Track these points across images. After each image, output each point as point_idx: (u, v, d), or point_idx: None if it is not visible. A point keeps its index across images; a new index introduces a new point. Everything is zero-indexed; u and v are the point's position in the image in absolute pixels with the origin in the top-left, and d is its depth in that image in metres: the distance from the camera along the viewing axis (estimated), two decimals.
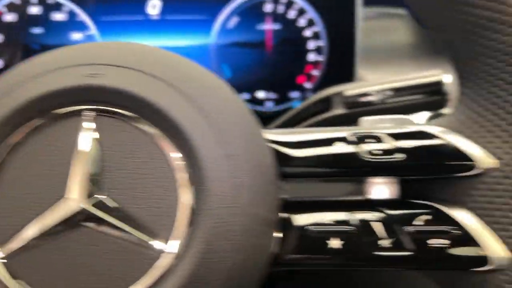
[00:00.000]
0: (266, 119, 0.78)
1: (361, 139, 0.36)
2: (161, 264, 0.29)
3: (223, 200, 0.29)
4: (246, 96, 0.77)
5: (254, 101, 0.77)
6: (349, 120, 0.61)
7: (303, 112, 0.61)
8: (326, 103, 0.58)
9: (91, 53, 0.33)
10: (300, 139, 0.38)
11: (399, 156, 0.35)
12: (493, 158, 0.33)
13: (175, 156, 0.30)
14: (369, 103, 0.54)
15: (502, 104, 0.33)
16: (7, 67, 0.72)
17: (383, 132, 0.36)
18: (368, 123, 0.41)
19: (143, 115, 0.30)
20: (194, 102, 0.31)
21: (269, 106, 0.78)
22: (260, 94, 0.77)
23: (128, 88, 0.30)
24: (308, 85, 0.78)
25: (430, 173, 0.35)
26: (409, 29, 0.91)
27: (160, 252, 0.29)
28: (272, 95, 0.78)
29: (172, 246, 0.29)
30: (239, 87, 0.77)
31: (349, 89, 0.56)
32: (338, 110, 0.56)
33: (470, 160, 0.34)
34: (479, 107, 0.35)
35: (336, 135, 0.37)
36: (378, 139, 0.36)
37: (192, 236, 0.29)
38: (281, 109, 0.78)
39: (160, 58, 0.33)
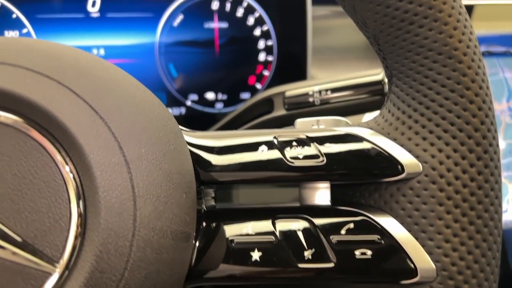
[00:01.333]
0: (216, 121, 0.75)
1: (287, 143, 0.34)
2: (49, 285, 0.26)
3: (116, 212, 0.26)
4: (194, 97, 0.74)
5: (203, 102, 0.74)
6: (289, 121, 0.59)
7: (245, 114, 0.59)
8: (268, 104, 0.55)
9: None
10: (225, 144, 0.35)
11: (323, 160, 0.32)
12: (419, 161, 0.31)
13: (64, 163, 0.27)
14: (309, 104, 0.52)
15: (429, 104, 0.31)
16: None
17: (309, 136, 0.34)
18: (303, 125, 0.39)
19: (27, 119, 0.27)
20: (86, 102, 0.27)
21: (219, 107, 0.75)
22: (210, 95, 0.74)
23: (8, 87, 0.27)
24: (259, 85, 0.75)
25: (355, 178, 0.33)
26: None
27: (47, 272, 0.26)
28: (222, 96, 0.75)
29: (60, 266, 0.26)
30: (187, 88, 0.74)
31: (290, 90, 0.54)
32: (279, 112, 0.54)
33: (397, 164, 0.31)
34: (407, 106, 0.32)
35: (261, 139, 0.35)
36: (303, 143, 0.33)
37: (81, 253, 0.26)
38: (231, 110, 0.75)
39: (46, 52, 0.30)
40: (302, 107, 0.51)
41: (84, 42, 0.70)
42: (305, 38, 0.74)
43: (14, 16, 0.68)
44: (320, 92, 0.50)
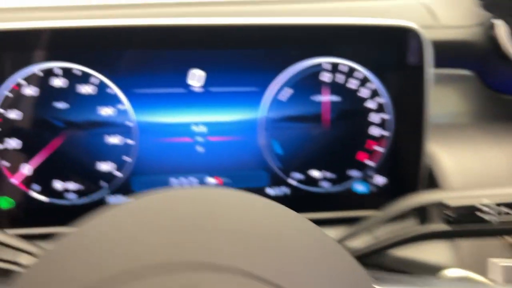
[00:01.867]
0: (321, 202, 0.68)
1: None
2: None
3: None
4: (299, 176, 0.67)
5: (308, 181, 0.67)
6: (453, 237, 0.50)
7: (384, 222, 0.51)
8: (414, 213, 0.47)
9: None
10: None
11: None
12: None
13: None
14: (479, 219, 0.43)
15: None
16: (26, 148, 0.62)
17: None
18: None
19: None
20: None
21: (325, 186, 0.67)
22: (315, 173, 0.67)
23: None
24: (370, 162, 0.67)
25: None
26: (476, 93, 0.80)
27: None
28: (329, 174, 0.67)
29: None
30: (292, 166, 0.66)
31: (450, 199, 0.46)
32: (440, 226, 0.46)
33: None
34: None
35: None
36: None
37: None
38: (338, 190, 0.68)
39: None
40: (471, 222, 0.43)
41: (184, 118, 0.63)
42: (422, 112, 0.66)
43: (109, 90, 0.62)
44: (493, 206, 0.42)
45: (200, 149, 0.65)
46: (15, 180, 0.63)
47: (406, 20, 0.65)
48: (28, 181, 0.63)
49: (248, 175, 0.66)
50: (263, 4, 0.77)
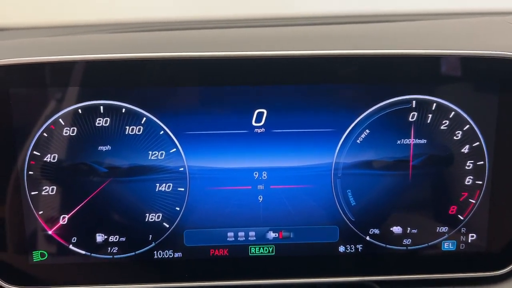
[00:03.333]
0: (402, 264, 0.57)
1: None
2: None
3: None
4: (375, 231, 0.57)
5: (387, 238, 0.57)
6: None
7: None
8: None
9: None
10: None
11: None
12: None
13: None
14: None
15: None
16: (64, 196, 0.54)
17: None
18: None
19: None
20: None
21: (407, 244, 0.57)
22: (396, 229, 0.57)
23: None
24: (461, 217, 0.57)
25: None
26: None
27: None
28: (412, 230, 0.57)
29: None
30: (367, 220, 0.57)
31: None
32: None
33: None
34: None
35: None
36: None
37: None
38: (422, 248, 0.57)
39: None
40: None
41: (244, 163, 0.54)
42: None
43: (158, 131, 0.53)
44: None
45: (260, 198, 0.56)
46: (51, 231, 0.55)
47: (504, 46, 0.54)
48: (66, 232, 0.55)
49: (316, 230, 0.57)
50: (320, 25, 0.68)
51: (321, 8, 0.70)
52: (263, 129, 0.54)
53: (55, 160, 0.54)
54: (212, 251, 0.56)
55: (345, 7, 0.75)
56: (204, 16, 0.67)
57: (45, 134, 0.53)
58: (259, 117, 0.54)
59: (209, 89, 0.53)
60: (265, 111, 0.53)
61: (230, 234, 0.56)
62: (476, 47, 0.53)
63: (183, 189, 0.55)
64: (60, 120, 0.53)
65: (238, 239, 0.56)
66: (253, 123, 0.54)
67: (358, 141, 0.55)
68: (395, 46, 0.54)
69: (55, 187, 0.54)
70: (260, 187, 0.55)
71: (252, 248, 0.57)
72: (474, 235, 0.57)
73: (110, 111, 0.53)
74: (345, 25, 0.67)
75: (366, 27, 0.64)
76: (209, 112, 0.53)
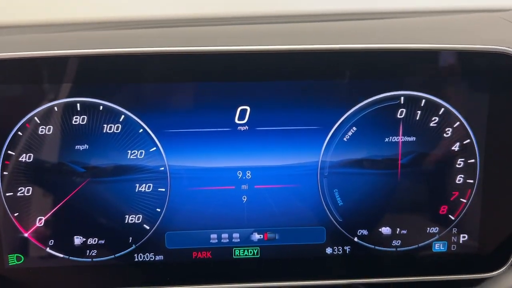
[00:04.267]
0: (391, 266, 0.56)
1: None
2: None
3: None
4: (363, 232, 0.55)
5: (375, 239, 0.55)
6: None
7: None
8: None
9: None
10: None
11: None
12: None
13: None
14: None
15: None
16: (40, 198, 0.52)
17: None
18: None
19: None
20: None
21: (397, 245, 0.55)
22: (385, 230, 0.55)
23: None
24: (452, 217, 0.55)
25: None
26: None
27: None
28: (401, 231, 0.55)
29: None
30: (355, 220, 0.55)
31: None
32: None
33: None
34: None
35: None
36: None
37: None
38: (412, 249, 0.55)
39: None
40: None
41: (227, 162, 0.52)
42: None
43: (137, 129, 0.52)
44: None
45: (244, 199, 0.54)
46: (27, 234, 0.53)
47: (496, 40, 0.52)
48: (42, 235, 0.53)
49: (302, 231, 0.55)
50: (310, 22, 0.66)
51: (307, 6, 0.68)
52: (246, 126, 0.52)
53: (31, 160, 0.52)
54: (195, 254, 0.54)
55: (333, 4, 0.74)
56: (187, 13, 0.65)
57: (19, 133, 0.51)
58: (242, 114, 0.52)
59: (189, 85, 0.51)
60: (248, 108, 0.52)
61: (213, 236, 0.54)
62: (466, 42, 0.51)
63: (163, 190, 0.53)
64: (36, 118, 0.51)
65: (222, 241, 0.54)
66: (236, 121, 0.52)
67: (344, 139, 0.53)
68: (383, 41, 0.52)
69: (31, 188, 0.52)
70: (244, 187, 0.53)
71: (236, 251, 0.55)
72: (466, 235, 0.56)
73: (87, 108, 0.51)
74: (332, 22, 0.65)
75: (354, 23, 0.63)
76: (190, 109, 0.51)
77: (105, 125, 0.51)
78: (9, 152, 0.51)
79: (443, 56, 0.51)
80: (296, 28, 0.61)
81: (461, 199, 0.55)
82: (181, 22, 0.62)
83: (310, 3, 0.68)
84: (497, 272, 0.56)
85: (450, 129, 0.53)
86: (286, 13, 0.69)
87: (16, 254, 0.53)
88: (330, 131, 0.52)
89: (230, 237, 0.54)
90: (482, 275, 0.56)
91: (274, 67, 0.51)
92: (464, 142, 0.53)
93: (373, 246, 0.55)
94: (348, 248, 0.55)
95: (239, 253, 0.55)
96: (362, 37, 0.54)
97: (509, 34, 0.63)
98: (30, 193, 0.52)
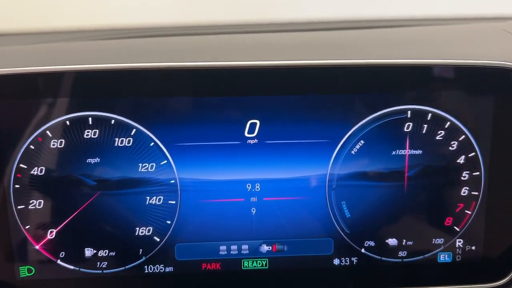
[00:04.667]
0: (397, 276, 0.56)
1: None
2: None
3: None
4: (370, 243, 0.56)
5: (382, 250, 0.56)
6: None
7: None
8: None
9: None
10: None
11: None
12: None
13: None
14: None
15: None
16: (51, 210, 0.53)
17: None
18: None
19: None
20: None
21: (403, 256, 0.56)
22: (391, 241, 0.56)
23: None
24: (457, 228, 0.56)
25: None
26: None
27: None
28: (407, 242, 0.56)
29: None
30: (362, 232, 0.56)
31: None
32: None
33: None
34: None
35: None
36: None
37: None
38: (418, 260, 0.56)
39: None
40: None
41: (237, 175, 0.53)
42: None
43: (148, 143, 0.52)
44: None
45: (253, 211, 0.55)
46: (38, 246, 0.54)
47: (500, 55, 0.53)
48: (53, 247, 0.54)
49: (310, 242, 0.56)
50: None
51: (316, 14, 0.69)
52: (256, 140, 0.53)
53: (43, 173, 0.52)
54: (204, 265, 0.55)
55: (339, 12, 0.74)
56: (197, 21, 0.66)
57: (32, 147, 0.51)
58: (252, 128, 0.53)
59: (200, 99, 0.51)
60: (258, 121, 0.52)
61: (223, 247, 0.55)
62: (471, 57, 0.52)
63: (174, 202, 0.54)
64: (48, 132, 0.51)
65: (231, 252, 0.55)
66: (246, 134, 0.53)
67: (352, 152, 0.54)
68: (389, 55, 0.53)
69: (42, 201, 0.53)
70: (253, 199, 0.54)
71: (245, 262, 0.55)
72: (471, 246, 0.56)
73: (98, 122, 0.51)
74: (339, 31, 0.66)
75: (360, 33, 0.64)
76: (201, 123, 0.52)
77: (117, 139, 0.52)
78: (21, 165, 0.52)
79: (447, 71, 0.52)
80: (304, 38, 0.62)
81: (466, 211, 0.56)
82: (190, 30, 0.63)
83: (317, 10, 0.69)
84: (501, 282, 0.57)
85: (456, 142, 0.54)
86: (294, 21, 0.70)
87: (27, 266, 0.54)
88: (338, 144, 0.53)
89: (239, 249, 0.55)
90: (487, 285, 0.57)
91: (283, 82, 0.52)
92: (469, 155, 0.54)
93: (379, 257, 0.56)
94: (355, 259, 0.56)
95: (248, 264, 0.55)
96: (369, 51, 0.55)
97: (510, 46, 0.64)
98: (41, 206, 0.53)
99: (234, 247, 0.55)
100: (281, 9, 0.72)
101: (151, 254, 0.55)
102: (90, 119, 0.51)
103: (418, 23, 0.80)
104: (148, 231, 0.54)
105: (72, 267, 0.54)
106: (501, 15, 0.83)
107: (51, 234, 0.53)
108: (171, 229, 0.54)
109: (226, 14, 0.67)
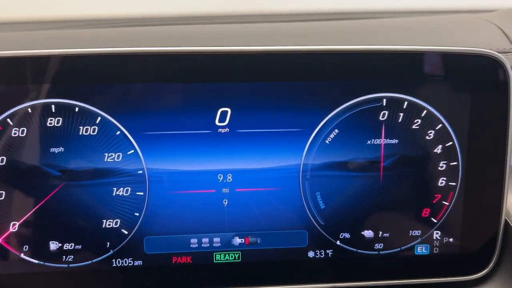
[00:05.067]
0: (373, 267, 0.55)
1: None
2: None
3: None
4: (346, 235, 0.54)
5: (357, 242, 0.54)
6: None
7: None
8: None
9: None
10: None
11: None
12: None
13: None
14: None
15: None
16: (14, 202, 0.51)
17: None
18: None
19: None
20: None
21: (379, 249, 0.55)
22: (367, 233, 0.54)
23: None
24: (434, 220, 0.55)
25: None
26: None
27: None
28: (383, 234, 0.55)
29: None
30: (338, 224, 0.54)
31: None
32: None
33: None
34: None
35: None
36: None
37: None
38: (395, 253, 0.55)
39: None
40: None
41: (208, 165, 0.51)
42: (503, 157, 0.53)
43: (114, 132, 0.50)
44: None
45: (225, 202, 0.53)
46: (0, 240, 0.51)
47: (479, 41, 0.52)
48: (16, 240, 0.52)
49: (284, 235, 0.54)
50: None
51: (290, 5, 0.68)
52: (227, 129, 0.51)
53: (4, 163, 0.50)
54: (175, 259, 0.53)
55: (317, 4, 0.73)
56: (168, 11, 0.64)
57: None
58: (223, 116, 0.51)
59: (168, 86, 0.49)
60: (229, 110, 0.51)
61: (194, 240, 0.53)
62: (448, 44, 0.51)
63: (142, 193, 0.52)
64: (8, 120, 0.49)
65: (202, 245, 0.53)
66: (217, 123, 0.51)
67: (326, 141, 0.52)
68: (365, 42, 0.51)
69: (4, 192, 0.50)
70: (225, 190, 0.52)
71: (217, 255, 0.54)
72: (448, 238, 0.55)
73: (62, 110, 0.49)
74: (315, 22, 0.64)
75: (336, 24, 0.62)
76: (169, 111, 0.50)
77: (81, 127, 0.50)
78: None
79: (425, 58, 0.51)
80: (277, 28, 0.60)
81: (443, 202, 0.54)
82: (159, 20, 0.61)
83: (292, 2, 0.68)
84: (479, 274, 0.56)
85: (433, 132, 0.53)
86: (268, 12, 0.69)
87: None
88: (312, 133, 0.51)
89: (211, 242, 0.53)
90: (465, 277, 0.56)
91: (255, 68, 0.50)
92: (447, 145, 0.53)
93: (355, 250, 0.55)
94: (331, 252, 0.55)
95: (220, 257, 0.54)
96: (344, 38, 0.53)
97: (491, 36, 0.63)
98: (2, 197, 0.50)
99: (205, 239, 0.53)
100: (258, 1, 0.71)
101: (119, 247, 0.53)
102: (53, 106, 0.49)
103: (399, 15, 0.79)
104: (116, 223, 0.52)
105: (36, 261, 0.52)
106: (484, 8, 0.82)
107: (13, 227, 0.51)
108: (139, 221, 0.52)
109: (197, 5, 0.65)
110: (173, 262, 0.53)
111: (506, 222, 0.55)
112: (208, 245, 0.53)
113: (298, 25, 0.63)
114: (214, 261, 0.54)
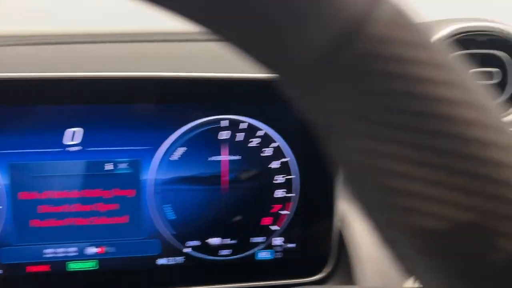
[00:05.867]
0: (220, 272, 0.61)
1: None
2: None
3: None
4: (195, 243, 0.60)
5: (205, 249, 0.60)
6: None
7: None
8: None
9: None
10: None
11: None
12: None
13: None
14: None
15: None
16: None
17: None
18: None
19: None
20: None
21: (226, 255, 0.60)
22: (214, 241, 0.60)
23: None
24: (275, 227, 0.61)
25: None
26: None
27: None
28: (229, 241, 0.60)
29: None
30: (186, 233, 0.59)
31: None
32: None
33: None
34: None
35: None
36: None
37: None
38: (240, 258, 0.61)
39: None
40: None
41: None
42: (331, 169, 0.60)
43: None
44: None
45: (78, 215, 0.57)
46: None
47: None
48: None
49: (137, 243, 0.59)
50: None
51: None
52: (78, 147, 0.55)
53: None
54: (29, 268, 0.57)
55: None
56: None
57: None
58: (74, 136, 0.55)
59: (22, 108, 0.53)
60: (79, 129, 0.55)
61: (48, 250, 0.57)
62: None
63: (1, 207, 0.55)
64: None
65: (57, 255, 0.57)
66: (67, 142, 0.55)
67: (173, 158, 0.57)
68: (207, 70, 0.57)
69: None
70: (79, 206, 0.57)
71: (71, 264, 0.58)
72: (289, 244, 0.62)
73: None
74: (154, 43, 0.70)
75: (177, 46, 0.68)
76: (23, 131, 0.54)
77: None
78: None
79: (261, 84, 0.57)
80: (124, 50, 0.65)
81: (284, 211, 0.61)
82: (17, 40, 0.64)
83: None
84: (318, 276, 0.62)
85: (271, 149, 0.59)
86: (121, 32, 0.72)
87: None
88: (157, 150, 0.57)
89: (66, 251, 0.57)
90: (305, 279, 0.62)
91: (104, 92, 0.55)
92: (284, 160, 0.60)
93: (203, 256, 0.60)
94: (181, 259, 0.60)
95: (75, 266, 0.58)
96: (182, 63, 0.59)
97: None
98: None
99: (60, 250, 0.57)
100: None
101: None
102: None
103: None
104: None
105: None
106: None
107: None
108: None
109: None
110: (27, 272, 0.57)
111: (339, 229, 0.62)
112: (64, 254, 0.57)
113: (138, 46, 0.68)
114: (67, 270, 0.57)
